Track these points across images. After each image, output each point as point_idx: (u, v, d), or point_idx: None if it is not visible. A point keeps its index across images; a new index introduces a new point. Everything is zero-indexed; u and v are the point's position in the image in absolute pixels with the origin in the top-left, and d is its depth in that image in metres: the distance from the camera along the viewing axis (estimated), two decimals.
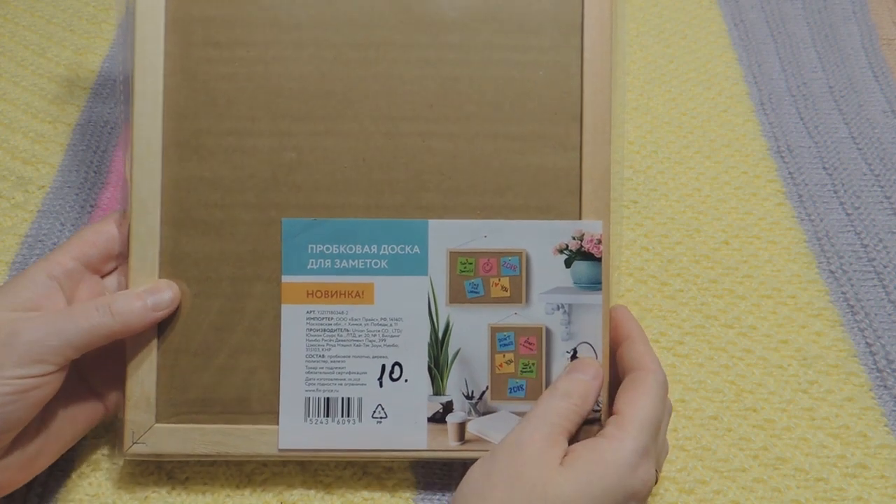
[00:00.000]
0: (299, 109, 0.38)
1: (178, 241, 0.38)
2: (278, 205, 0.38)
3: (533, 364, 0.37)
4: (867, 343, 0.44)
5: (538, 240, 0.37)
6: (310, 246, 0.37)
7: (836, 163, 0.53)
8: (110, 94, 0.54)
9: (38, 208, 0.48)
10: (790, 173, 0.52)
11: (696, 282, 0.47)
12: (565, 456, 0.32)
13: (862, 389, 0.43)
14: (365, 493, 0.38)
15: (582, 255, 0.37)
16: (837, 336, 0.45)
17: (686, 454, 0.40)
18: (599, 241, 0.37)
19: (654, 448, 0.34)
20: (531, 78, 0.38)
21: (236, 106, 0.38)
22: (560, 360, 0.37)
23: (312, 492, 0.39)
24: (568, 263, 0.37)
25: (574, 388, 0.35)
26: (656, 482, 0.34)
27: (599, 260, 0.37)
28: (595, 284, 0.37)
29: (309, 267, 0.37)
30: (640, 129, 0.54)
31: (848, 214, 0.50)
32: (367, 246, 0.37)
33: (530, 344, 0.37)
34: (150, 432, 0.36)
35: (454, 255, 0.37)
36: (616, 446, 0.32)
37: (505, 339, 0.37)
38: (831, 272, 0.47)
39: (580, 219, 0.37)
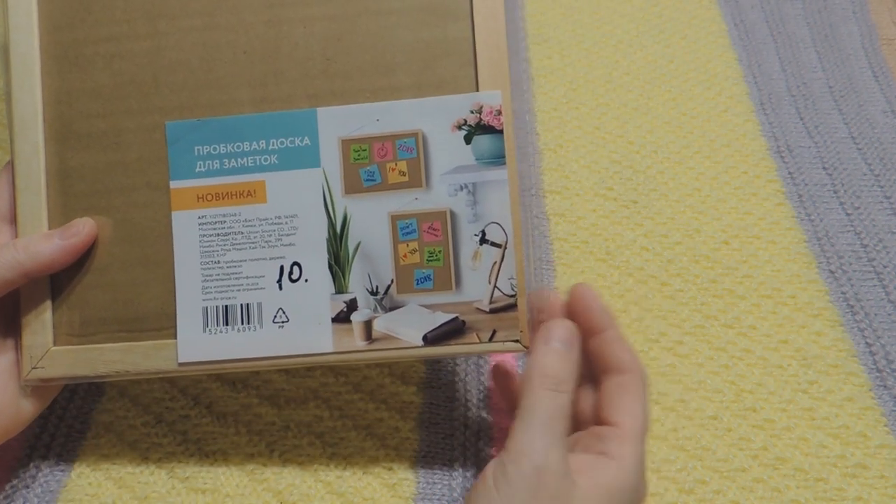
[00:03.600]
0: (174, 6, 0.37)
1: (63, 155, 0.37)
2: (161, 108, 0.36)
3: (439, 251, 0.35)
4: (867, 343, 0.44)
5: (434, 118, 0.35)
6: (196, 148, 0.36)
7: (836, 163, 0.53)
8: None
9: None
10: (790, 173, 0.52)
11: (696, 282, 0.47)
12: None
13: (862, 389, 0.43)
14: (365, 493, 0.39)
15: (482, 129, 0.35)
16: (837, 336, 0.45)
17: (686, 454, 0.40)
18: (500, 113, 0.35)
19: None
20: None
21: (111, 11, 0.37)
22: (468, 244, 0.35)
23: (312, 492, 0.39)
24: (468, 139, 0.35)
25: (561, 368, 0.33)
26: None
27: (501, 132, 0.35)
28: (499, 159, 0.34)
29: (197, 170, 0.36)
30: (640, 129, 0.54)
31: (848, 214, 0.50)
32: (254, 142, 0.36)
33: (434, 230, 0.35)
34: (48, 356, 0.36)
35: (346, 143, 0.35)
36: (624, 470, 0.32)
37: (407, 227, 0.35)
38: (831, 272, 0.47)
39: (478, 91, 0.35)
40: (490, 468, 0.31)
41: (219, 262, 0.36)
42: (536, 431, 0.31)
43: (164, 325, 0.36)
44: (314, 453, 0.40)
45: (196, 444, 0.40)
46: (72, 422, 0.41)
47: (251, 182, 0.36)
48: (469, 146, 0.35)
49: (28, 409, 0.36)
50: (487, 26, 0.35)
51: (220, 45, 0.37)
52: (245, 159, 0.36)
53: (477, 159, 0.35)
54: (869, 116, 0.56)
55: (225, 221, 0.36)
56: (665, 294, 0.46)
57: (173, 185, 0.36)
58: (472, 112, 0.35)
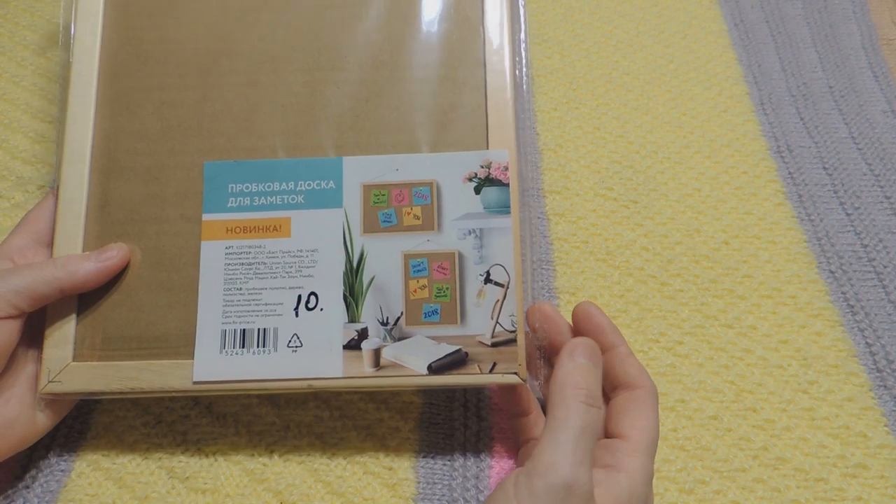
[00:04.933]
0: (223, 65, 0.41)
1: (106, 186, 0.40)
2: (201, 150, 0.40)
3: (447, 288, 0.38)
4: (867, 343, 0.44)
5: (448, 170, 0.39)
6: (230, 185, 0.39)
7: (836, 163, 0.53)
8: None
9: None
10: (790, 173, 0.52)
11: (696, 282, 0.47)
12: None
13: (862, 389, 0.43)
14: (365, 493, 0.39)
15: (490, 182, 0.38)
16: (837, 336, 0.45)
17: (686, 454, 0.40)
18: (507, 168, 0.39)
19: None
20: (439, 31, 0.42)
21: (165, 65, 0.41)
22: (473, 283, 0.38)
23: (312, 491, 0.39)
24: (477, 190, 0.39)
25: (592, 382, 0.33)
26: None
27: (507, 185, 0.38)
28: (504, 208, 0.38)
29: (229, 205, 0.39)
30: (640, 129, 0.54)
31: (848, 214, 0.50)
32: (284, 183, 0.39)
33: (443, 269, 0.38)
34: (66, 370, 0.37)
35: (368, 188, 0.39)
36: (633, 482, 0.32)
37: (418, 265, 0.38)
38: (831, 272, 0.47)
39: (488, 149, 0.39)
40: (512, 479, 0.31)
41: (241, 288, 0.38)
42: (569, 446, 0.30)
43: (182, 345, 0.37)
44: (314, 453, 0.40)
45: (196, 445, 0.40)
46: (72, 422, 0.41)
47: (278, 218, 0.39)
48: (478, 196, 0.39)
49: (43, 421, 0.37)
50: (497, 97, 0.40)
51: (261, 99, 0.41)
52: (274, 198, 0.39)
53: (485, 208, 0.38)
54: (869, 116, 0.56)
55: (250, 252, 0.38)
56: (665, 294, 0.46)
57: (205, 217, 0.39)
58: (481, 167, 0.39)
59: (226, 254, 0.38)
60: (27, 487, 0.38)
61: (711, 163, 0.52)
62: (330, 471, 0.39)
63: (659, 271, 0.47)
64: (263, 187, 0.39)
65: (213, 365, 0.37)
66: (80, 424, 0.41)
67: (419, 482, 0.39)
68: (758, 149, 0.53)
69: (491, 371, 0.36)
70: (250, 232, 0.38)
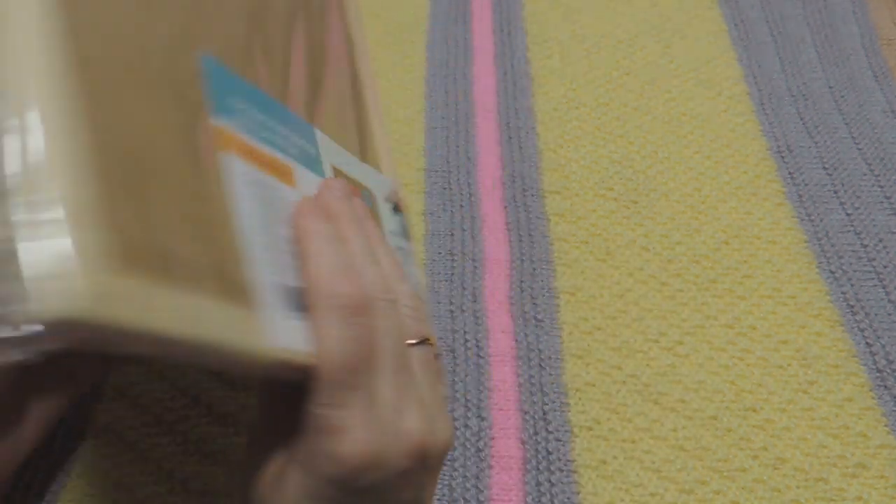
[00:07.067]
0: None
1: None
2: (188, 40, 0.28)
3: None
4: (867, 343, 0.44)
5: (376, 185, 0.41)
6: (236, 102, 0.28)
7: (836, 163, 0.53)
8: None
9: None
10: (790, 173, 0.52)
11: (696, 282, 0.47)
12: None
13: (862, 389, 0.43)
14: None
15: (396, 210, 0.41)
16: (837, 336, 0.45)
17: (686, 454, 0.40)
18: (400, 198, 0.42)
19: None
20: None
21: None
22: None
23: None
24: (394, 211, 0.41)
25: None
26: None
27: (402, 214, 0.42)
28: (407, 235, 0.41)
29: (237, 118, 0.27)
30: (640, 129, 0.54)
31: (848, 214, 0.50)
32: (284, 127, 0.31)
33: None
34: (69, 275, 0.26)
35: (338, 172, 0.35)
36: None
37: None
38: (831, 272, 0.47)
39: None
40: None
41: (276, 233, 0.28)
42: None
43: (219, 280, 0.29)
44: None
45: (196, 445, 0.40)
46: (72, 422, 0.41)
47: (285, 163, 0.30)
48: (395, 217, 0.41)
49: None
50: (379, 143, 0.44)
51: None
52: (278, 138, 0.30)
53: (398, 229, 0.41)
54: (869, 116, 0.56)
55: (275, 192, 0.28)
56: (665, 294, 0.46)
57: (215, 122, 0.26)
58: (393, 191, 0.42)
59: (248, 181, 0.26)
60: (26, 487, 0.38)
61: (711, 163, 0.52)
62: None
63: (659, 271, 0.47)
64: (270, 121, 0.30)
65: (285, 331, 0.24)
66: (80, 425, 0.41)
67: None
68: (758, 149, 0.53)
69: None
70: (266, 167, 0.28)
